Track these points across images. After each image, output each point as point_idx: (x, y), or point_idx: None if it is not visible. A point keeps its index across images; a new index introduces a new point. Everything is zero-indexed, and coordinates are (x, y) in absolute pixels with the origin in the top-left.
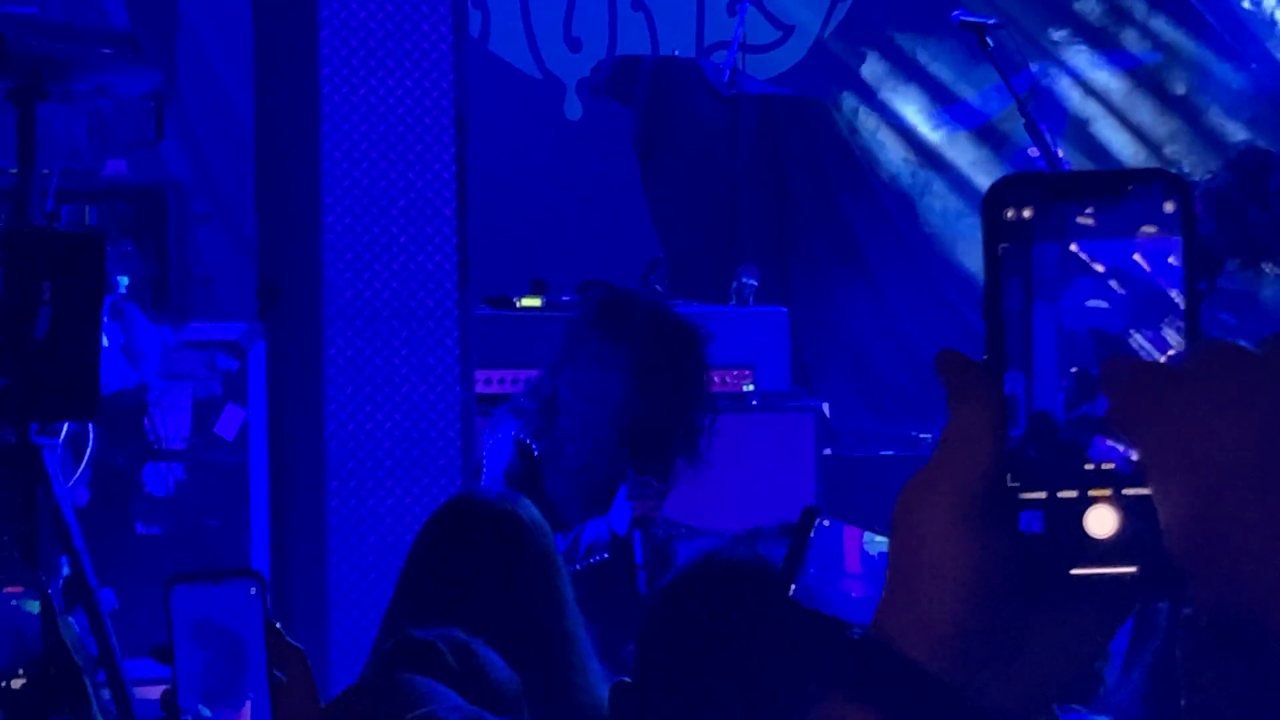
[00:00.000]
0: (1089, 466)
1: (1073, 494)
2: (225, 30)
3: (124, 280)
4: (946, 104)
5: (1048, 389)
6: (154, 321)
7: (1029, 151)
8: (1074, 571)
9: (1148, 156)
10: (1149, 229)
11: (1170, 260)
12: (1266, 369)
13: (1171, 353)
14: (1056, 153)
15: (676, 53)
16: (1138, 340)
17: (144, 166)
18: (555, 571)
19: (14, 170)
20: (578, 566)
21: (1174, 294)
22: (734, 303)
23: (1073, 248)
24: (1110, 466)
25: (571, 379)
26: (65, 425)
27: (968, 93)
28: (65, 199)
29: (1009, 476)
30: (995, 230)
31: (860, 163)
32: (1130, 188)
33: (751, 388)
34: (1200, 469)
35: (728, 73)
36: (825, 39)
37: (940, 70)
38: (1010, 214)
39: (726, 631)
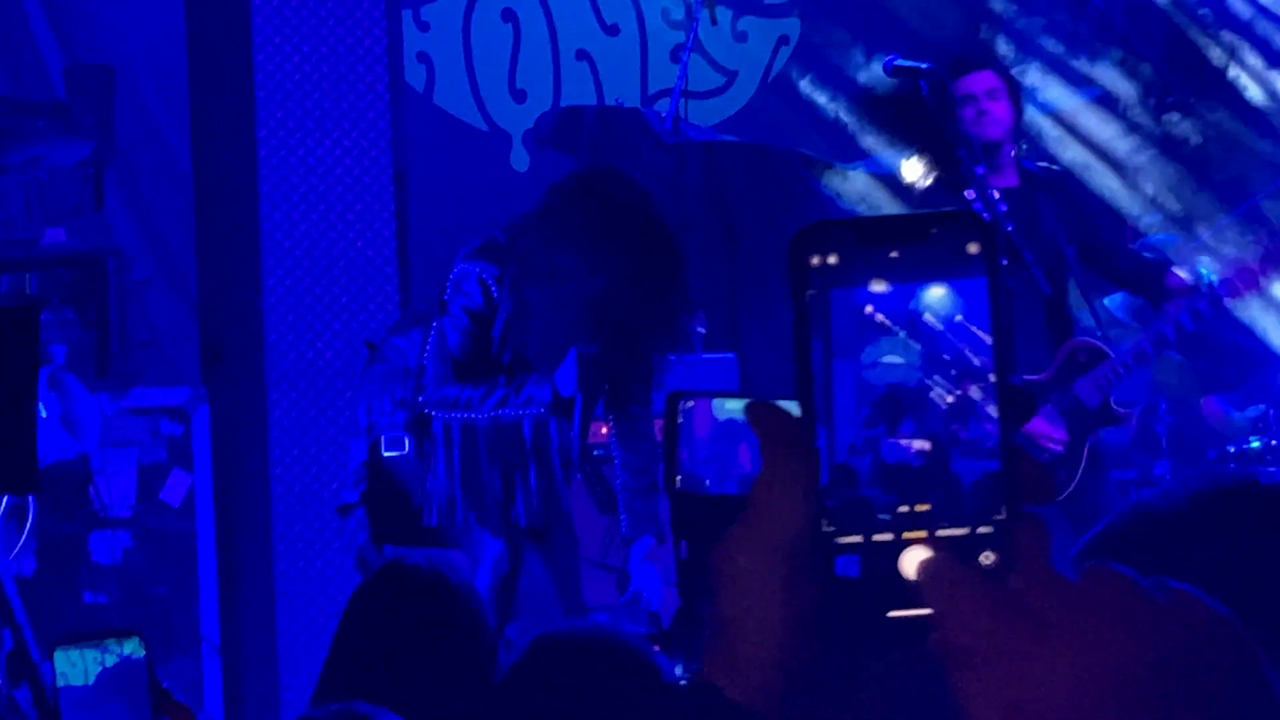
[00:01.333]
0: (903, 509)
1: (887, 537)
2: (169, 93)
3: (61, 350)
4: (887, 148)
5: (847, 444)
6: (93, 390)
7: (966, 194)
8: (891, 614)
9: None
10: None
11: (957, 319)
12: (1094, 611)
13: (988, 561)
14: (993, 195)
15: (619, 101)
16: (938, 393)
17: (87, 233)
18: (484, 634)
19: None
20: (513, 411)
21: (979, 336)
22: (682, 349)
23: (868, 309)
24: (925, 508)
25: (545, 238)
26: (4, 498)
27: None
28: (4, 268)
29: (824, 521)
30: (802, 278)
31: (803, 207)
32: (934, 230)
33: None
34: (1033, 715)
35: (670, 120)
36: (769, 84)
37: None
38: (816, 260)
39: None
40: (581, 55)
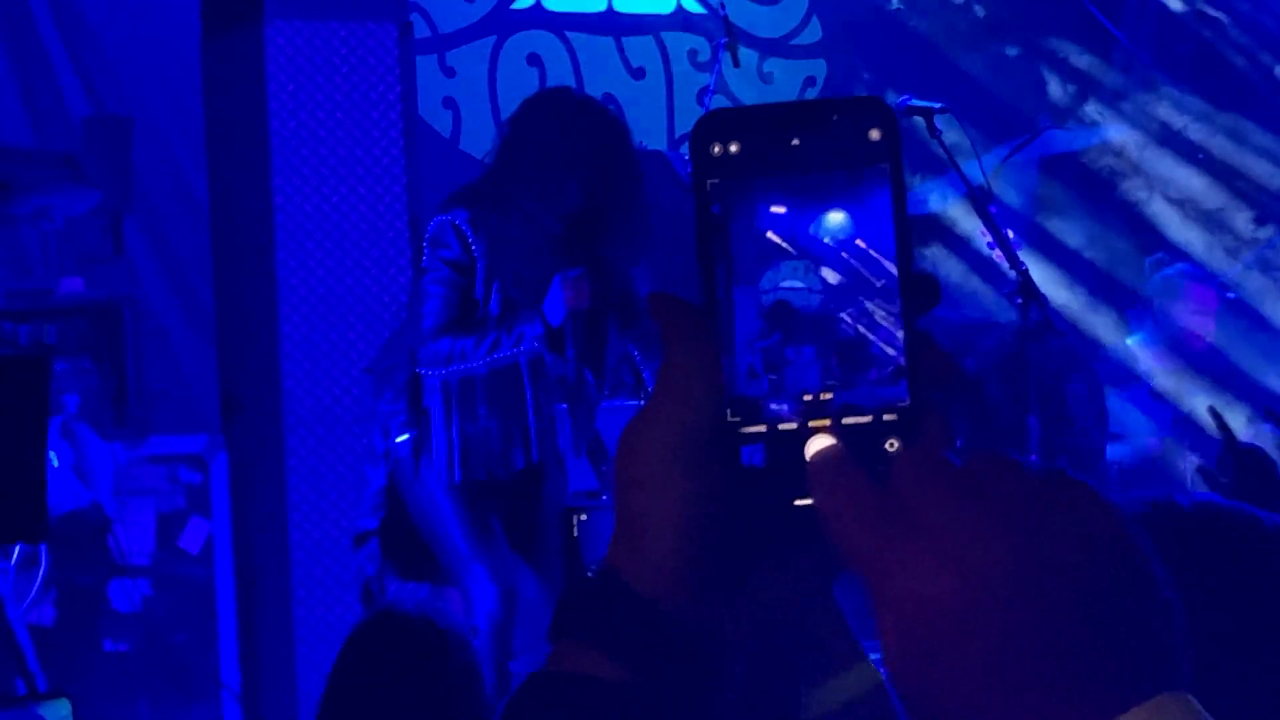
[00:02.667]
0: (808, 398)
1: (792, 426)
2: (191, 141)
3: (74, 399)
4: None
5: (743, 374)
6: (109, 438)
7: (980, 233)
8: (797, 503)
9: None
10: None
11: (858, 243)
12: (979, 502)
13: (893, 447)
14: (1006, 234)
15: (642, 144)
16: (845, 318)
17: (107, 282)
18: (477, 680)
19: None
20: (507, 352)
21: (878, 260)
22: None
23: (770, 235)
24: (829, 396)
25: (508, 167)
26: (16, 547)
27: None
28: (22, 318)
29: (729, 412)
30: (703, 166)
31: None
32: (835, 117)
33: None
34: (910, 614)
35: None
36: None
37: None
38: (717, 149)
39: None
40: (608, 99)
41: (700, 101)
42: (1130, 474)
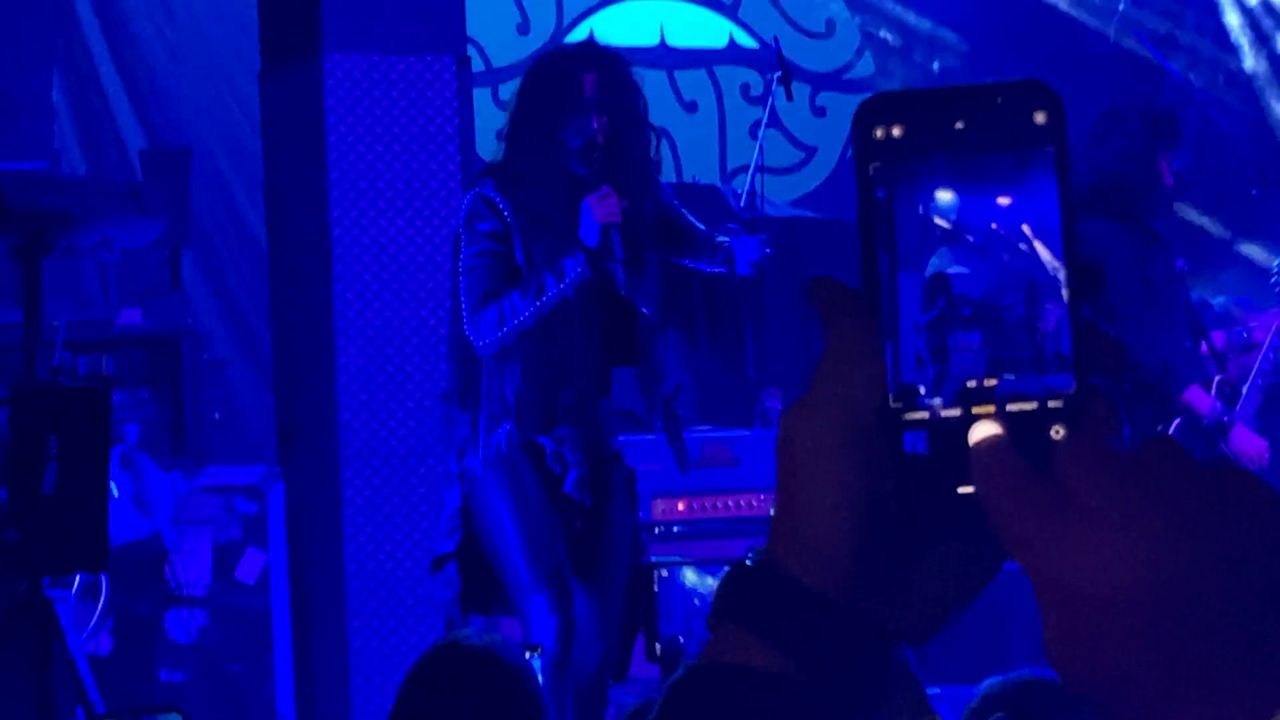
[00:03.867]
0: (971, 384)
1: (956, 412)
2: (247, 174)
3: (134, 430)
4: None
5: (910, 361)
6: (167, 469)
7: None
8: (960, 490)
9: None
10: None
11: (1024, 229)
12: (1156, 501)
13: (1059, 435)
14: None
15: (696, 178)
16: (1011, 304)
17: (165, 313)
18: (539, 713)
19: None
20: (554, 291)
21: (1046, 258)
22: (758, 426)
23: (936, 219)
24: (993, 383)
25: (518, 123)
26: (77, 577)
27: None
28: (81, 349)
29: (891, 398)
30: (865, 150)
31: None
32: (1000, 100)
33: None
34: (1076, 602)
35: (745, 196)
36: (848, 159)
37: None
38: (880, 133)
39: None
40: (660, 131)
41: (753, 135)
42: None
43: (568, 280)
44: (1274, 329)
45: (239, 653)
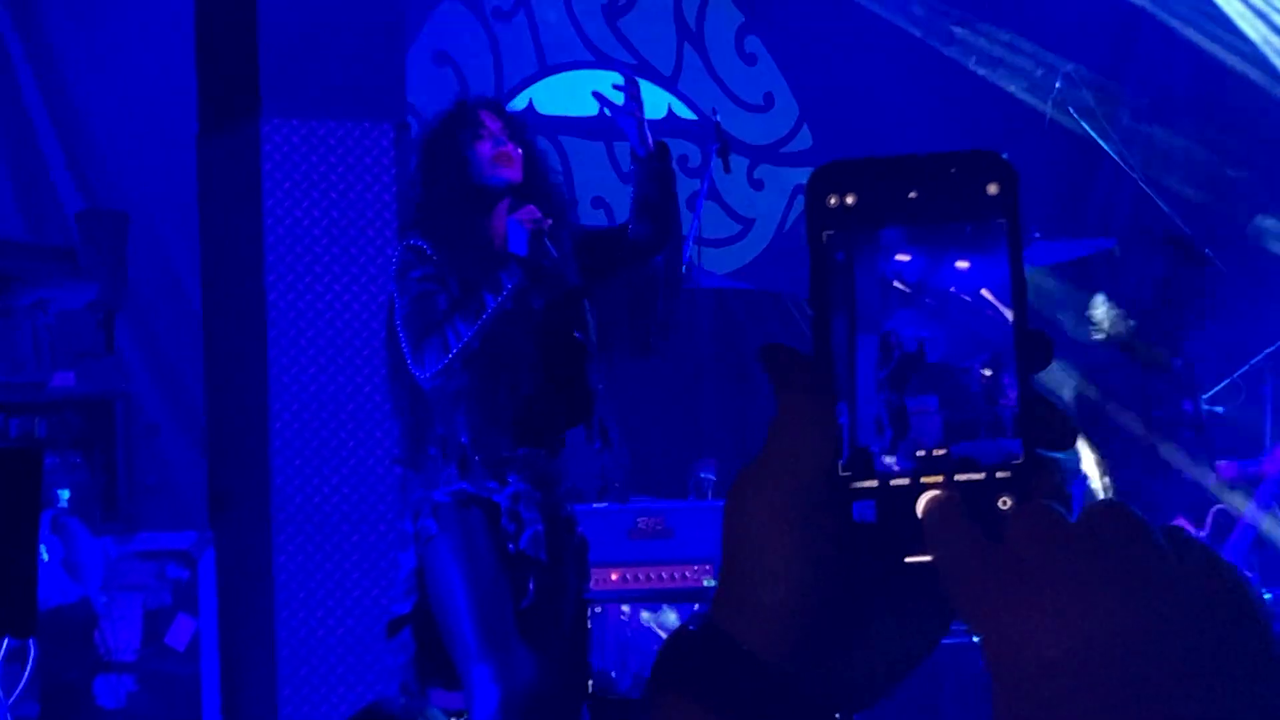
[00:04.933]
0: (921, 453)
1: (905, 481)
2: (185, 236)
3: (64, 494)
4: None
5: (869, 425)
6: (97, 534)
7: None
8: (907, 559)
9: None
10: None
11: (983, 293)
12: (1097, 559)
13: (1005, 506)
14: None
15: None
16: (966, 370)
17: (98, 377)
18: None
19: None
20: (493, 303)
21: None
22: (692, 497)
23: (894, 284)
24: (943, 452)
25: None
26: (5, 641)
27: None
28: (13, 411)
29: (842, 465)
30: (820, 216)
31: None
32: (953, 170)
33: (712, 583)
34: (1025, 667)
35: (683, 267)
36: (785, 232)
37: None
38: (833, 200)
39: None
40: (598, 203)
41: (691, 207)
42: None
43: (505, 291)
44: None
45: (168, 719)
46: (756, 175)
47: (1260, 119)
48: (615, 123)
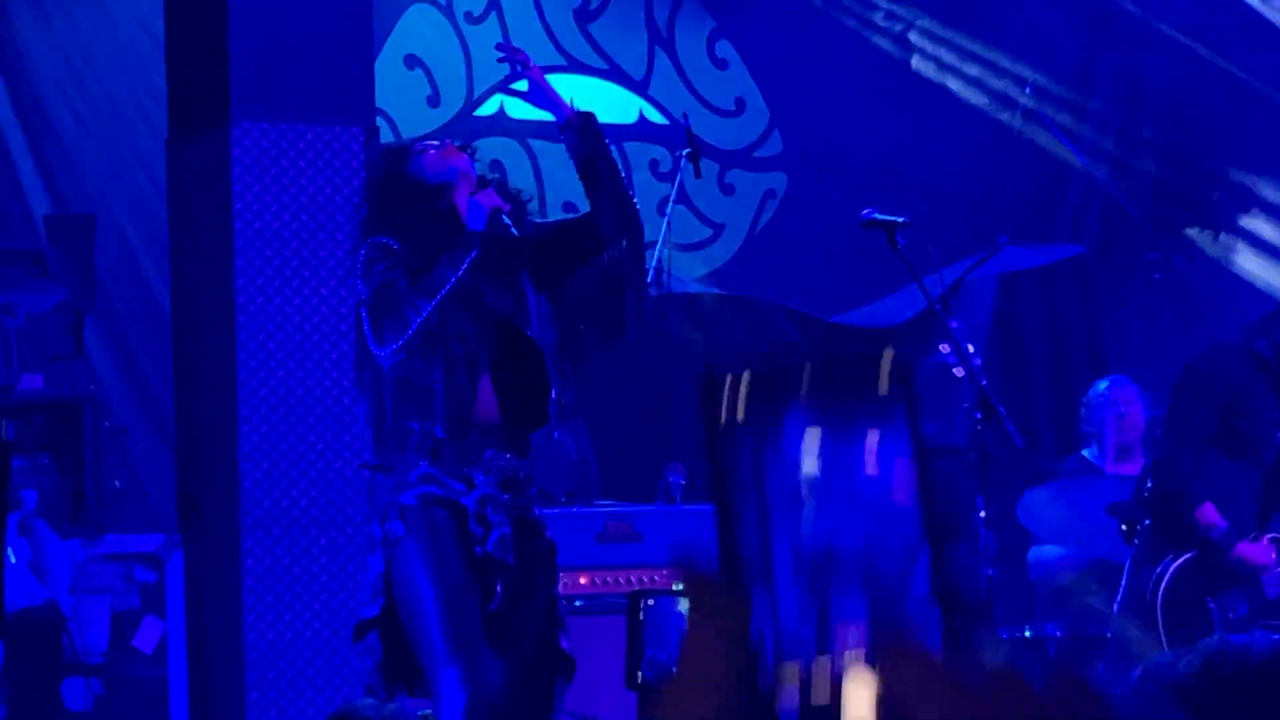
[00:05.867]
0: (840, 650)
1: (825, 681)
2: (154, 240)
3: (32, 496)
4: (869, 302)
5: (788, 627)
6: (65, 536)
7: (940, 348)
8: None
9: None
10: (875, 418)
11: (890, 478)
12: None
13: None
14: (967, 349)
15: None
16: (879, 557)
17: (67, 380)
18: None
19: None
20: (453, 276)
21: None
22: (661, 501)
23: (807, 469)
24: (861, 650)
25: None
26: None
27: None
28: None
29: (760, 674)
30: (714, 416)
31: (784, 359)
32: (850, 369)
33: (681, 587)
34: None
35: (652, 272)
36: (756, 237)
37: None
38: (735, 400)
39: None
40: (569, 208)
41: (661, 211)
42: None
43: (464, 264)
44: None
45: None
46: (727, 180)
47: (1230, 119)
48: (529, 100)
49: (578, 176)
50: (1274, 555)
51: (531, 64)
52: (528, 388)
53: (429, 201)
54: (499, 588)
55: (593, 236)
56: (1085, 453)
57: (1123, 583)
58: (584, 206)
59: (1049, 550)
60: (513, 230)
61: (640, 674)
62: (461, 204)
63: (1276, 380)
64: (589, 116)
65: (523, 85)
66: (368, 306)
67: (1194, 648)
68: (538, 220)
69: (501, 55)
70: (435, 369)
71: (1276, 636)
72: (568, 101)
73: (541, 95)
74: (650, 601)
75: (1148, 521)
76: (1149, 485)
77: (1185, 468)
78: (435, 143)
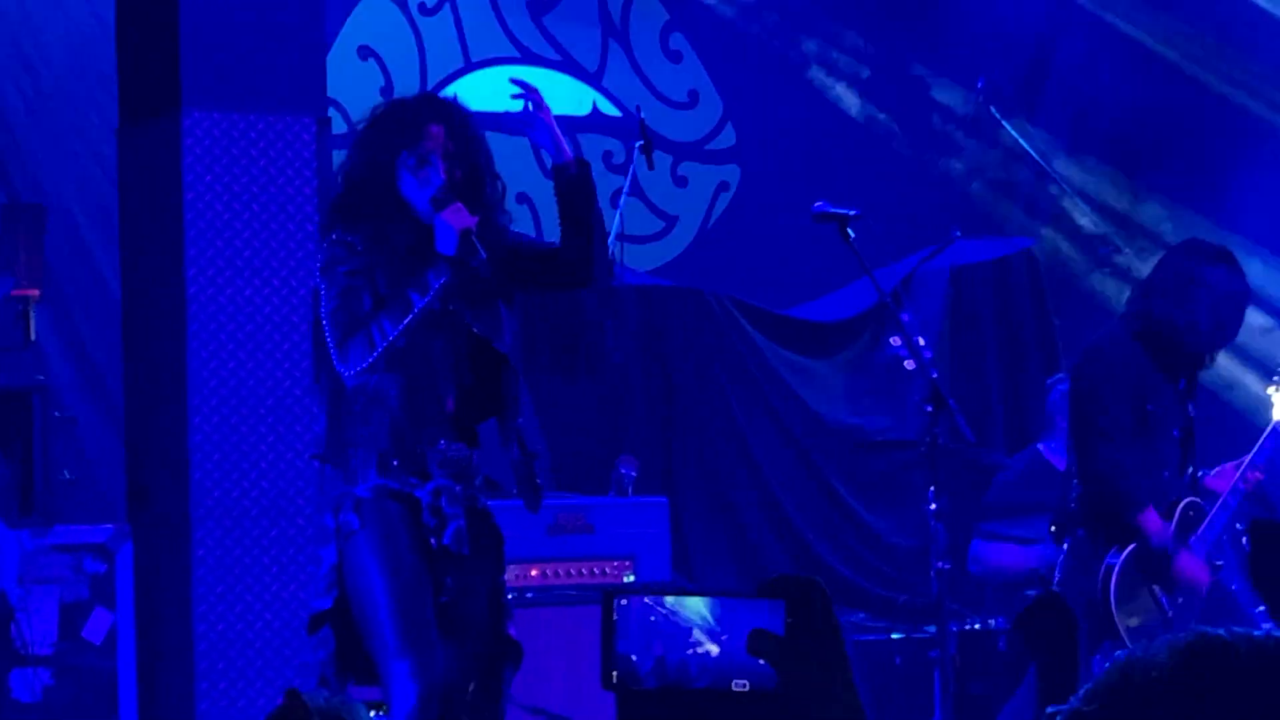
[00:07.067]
0: None
1: None
2: (105, 230)
3: None
4: (821, 295)
5: None
6: (14, 527)
7: (890, 340)
8: None
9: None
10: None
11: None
12: None
13: None
14: (917, 342)
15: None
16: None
17: (17, 369)
18: None
19: None
20: (421, 304)
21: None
22: (613, 493)
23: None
24: None
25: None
26: None
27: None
28: None
29: None
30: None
31: (741, 352)
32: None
33: (633, 578)
34: None
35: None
36: (709, 229)
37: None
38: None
39: None
40: (522, 199)
41: (614, 203)
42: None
43: (432, 290)
44: (1234, 481)
45: (85, 713)
46: (680, 172)
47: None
48: (527, 133)
49: (559, 216)
50: (1208, 575)
51: (543, 103)
52: (491, 401)
53: (401, 209)
54: (449, 580)
55: (563, 278)
56: (1040, 446)
57: (1055, 580)
58: (538, 198)
59: (990, 548)
60: (481, 254)
61: (614, 673)
62: (427, 215)
63: (1160, 357)
64: (586, 166)
65: (517, 105)
66: (331, 318)
67: (1168, 643)
68: (507, 229)
69: (517, 92)
70: (394, 387)
71: (1259, 633)
72: (559, 144)
73: (546, 134)
74: (624, 601)
75: (1081, 533)
76: (1079, 490)
77: (1129, 470)
78: (438, 130)
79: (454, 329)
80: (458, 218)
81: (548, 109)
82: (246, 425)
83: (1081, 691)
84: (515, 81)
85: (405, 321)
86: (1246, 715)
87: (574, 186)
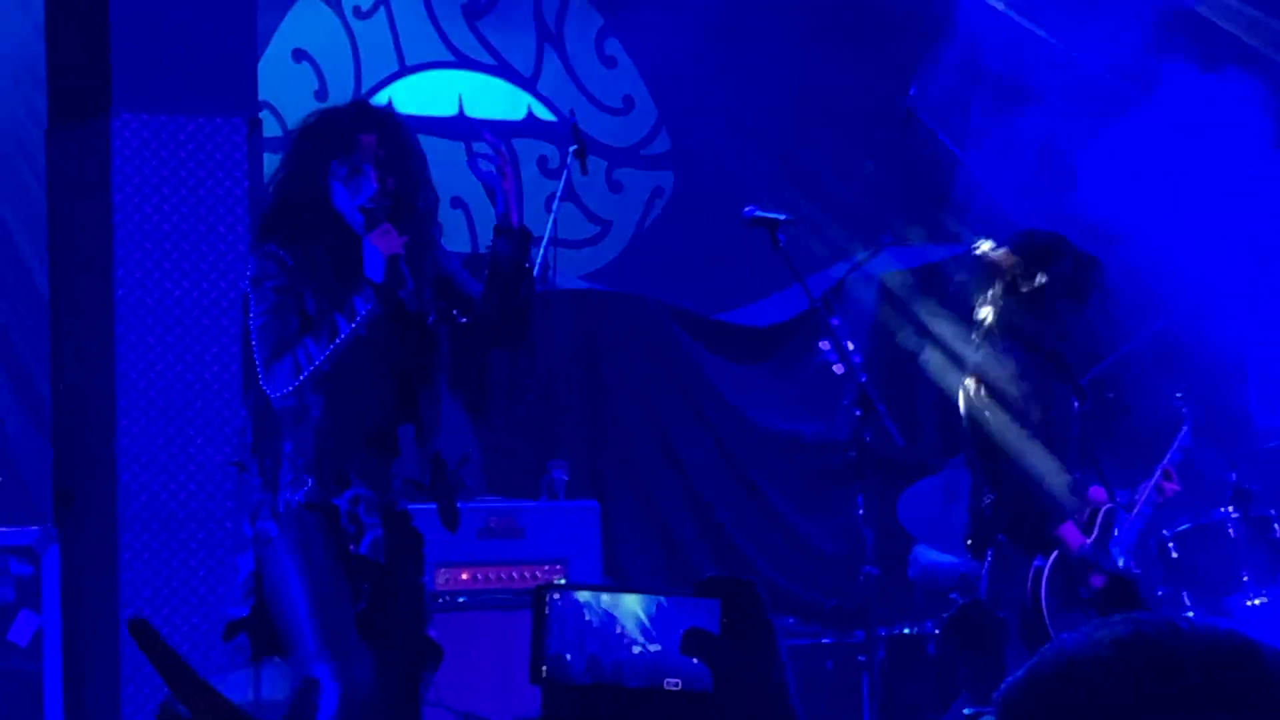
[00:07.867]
0: None
1: None
2: (32, 231)
3: None
4: (753, 300)
5: None
6: None
7: (820, 345)
8: None
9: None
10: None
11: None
12: None
13: None
14: (846, 346)
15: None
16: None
17: None
18: None
19: None
20: (346, 331)
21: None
22: (544, 497)
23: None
24: None
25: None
26: None
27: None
28: None
29: None
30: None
31: (672, 357)
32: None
33: (563, 581)
34: None
35: (538, 269)
36: (643, 234)
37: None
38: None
39: None
40: (457, 203)
41: (548, 208)
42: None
43: (359, 318)
44: (1148, 490)
45: (10, 717)
46: (615, 177)
47: None
48: (489, 188)
49: (486, 276)
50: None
51: (508, 169)
52: (412, 416)
53: (332, 225)
54: (367, 587)
55: (476, 333)
56: None
57: (982, 589)
58: (471, 202)
59: (931, 554)
60: (408, 284)
61: (543, 668)
62: (357, 226)
63: (1053, 363)
64: (528, 234)
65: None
66: (258, 335)
67: (1110, 637)
68: (439, 258)
69: (486, 151)
70: (317, 407)
71: (1205, 625)
72: (509, 209)
73: (500, 195)
74: (556, 596)
75: (1002, 538)
76: (990, 500)
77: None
78: (369, 140)
79: (379, 354)
80: (386, 242)
81: (514, 178)
82: (174, 428)
83: (1012, 679)
84: (489, 141)
85: (330, 347)
86: (1195, 706)
87: (510, 246)
